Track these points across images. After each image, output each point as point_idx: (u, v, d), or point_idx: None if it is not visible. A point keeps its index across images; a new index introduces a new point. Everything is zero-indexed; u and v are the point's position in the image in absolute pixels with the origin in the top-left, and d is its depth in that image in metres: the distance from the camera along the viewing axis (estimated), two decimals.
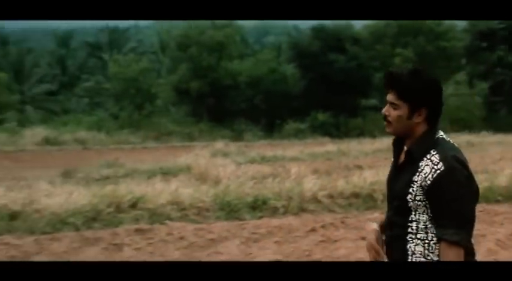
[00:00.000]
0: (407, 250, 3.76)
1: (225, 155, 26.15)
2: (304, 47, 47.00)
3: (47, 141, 37.56)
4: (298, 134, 41.55)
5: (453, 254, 3.64)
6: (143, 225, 12.12)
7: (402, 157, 3.86)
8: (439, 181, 3.62)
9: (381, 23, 45.34)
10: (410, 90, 3.71)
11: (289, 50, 49.43)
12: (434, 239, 3.71)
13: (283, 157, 25.96)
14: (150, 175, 19.59)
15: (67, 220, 12.36)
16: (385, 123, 3.83)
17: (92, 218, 12.56)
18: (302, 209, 13.82)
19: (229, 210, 13.45)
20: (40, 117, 51.58)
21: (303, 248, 10.94)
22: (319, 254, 10.58)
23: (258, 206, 13.71)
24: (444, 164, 3.64)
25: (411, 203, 3.71)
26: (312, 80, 46.08)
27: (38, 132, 39.47)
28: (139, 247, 10.91)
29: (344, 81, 44.74)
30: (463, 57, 49.58)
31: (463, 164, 3.68)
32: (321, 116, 44.01)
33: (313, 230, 12.21)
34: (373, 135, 37.61)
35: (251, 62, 47.51)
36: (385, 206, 3.97)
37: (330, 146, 30.59)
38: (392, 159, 3.97)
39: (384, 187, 4.03)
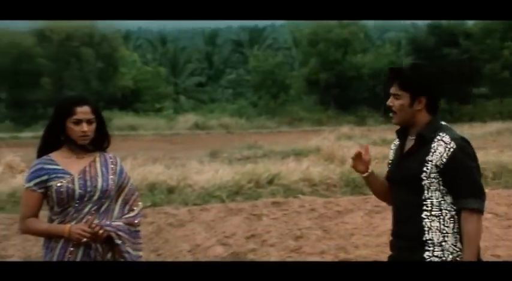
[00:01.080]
0: (423, 227, 3.71)
1: (350, 138, 25.90)
2: (421, 42, 46.01)
3: (197, 126, 38.31)
4: None
5: (475, 221, 3.62)
6: (279, 198, 12.20)
7: (408, 144, 3.82)
8: (454, 156, 3.65)
9: None
10: (410, 81, 3.73)
11: (407, 44, 48.45)
12: (449, 214, 3.69)
13: None
14: (284, 155, 19.63)
15: (214, 193, 12.59)
16: (390, 114, 3.84)
17: (235, 192, 12.75)
18: None
19: (354, 186, 13.37)
20: (191, 106, 52.68)
21: None
22: None
23: None
24: (455, 143, 3.67)
25: (425, 181, 3.69)
26: None
27: (189, 118, 40.31)
28: (276, 217, 10.99)
29: (457, 72, 43.56)
30: None
31: (469, 143, 3.74)
32: None
33: None
34: (483, 120, 36.53)
35: (373, 55, 46.87)
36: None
37: None
38: (392, 147, 4.01)
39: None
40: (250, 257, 8.55)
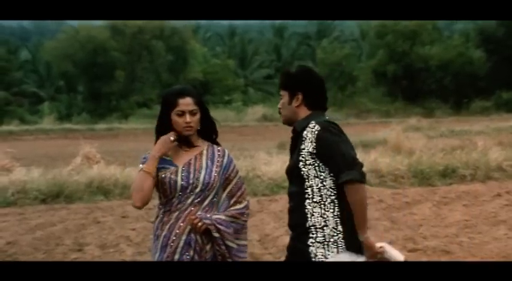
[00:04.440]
0: (306, 214, 3.87)
1: (418, 129, 25.62)
2: (490, 33, 45.11)
3: (265, 118, 38.37)
4: (483, 111, 39.95)
5: (355, 191, 3.79)
6: None
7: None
8: (319, 137, 3.82)
9: None
10: (287, 80, 4.02)
11: (476, 36, 47.50)
12: (329, 199, 3.84)
13: (470, 131, 25.12)
14: None
15: (282, 184, 12.61)
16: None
17: None
18: (488, 177, 13.42)
19: (422, 177, 13.27)
20: (259, 98, 52.79)
21: (489, 211, 10.64)
22: (504, 216, 10.26)
23: (448, 174, 13.44)
24: (319, 125, 3.86)
25: (304, 170, 3.87)
26: (497, 63, 44.21)
27: (258, 110, 40.41)
28: None
29: None
30: None
31: (335, 124, 3.92)
32: (505, 95, 42.14)
33: (498, 195, 11.84)
34: None
35: (441, 47, 46.13)
36: None
37: None
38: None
39: None
40: None
